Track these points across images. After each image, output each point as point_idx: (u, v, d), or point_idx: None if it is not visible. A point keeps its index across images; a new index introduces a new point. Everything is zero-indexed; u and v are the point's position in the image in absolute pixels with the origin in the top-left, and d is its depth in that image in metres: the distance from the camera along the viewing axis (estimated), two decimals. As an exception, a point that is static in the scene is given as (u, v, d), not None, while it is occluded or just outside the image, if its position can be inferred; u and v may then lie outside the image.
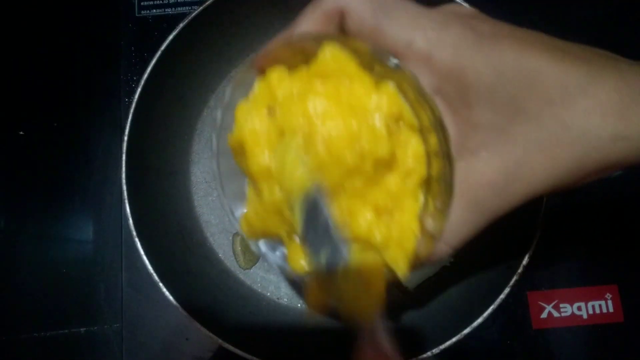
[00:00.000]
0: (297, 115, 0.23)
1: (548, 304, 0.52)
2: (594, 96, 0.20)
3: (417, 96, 0.23)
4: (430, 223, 0.24)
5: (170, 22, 0.58)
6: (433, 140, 0.23)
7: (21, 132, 0.58)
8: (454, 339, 0.40)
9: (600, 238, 0.53)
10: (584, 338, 0.51)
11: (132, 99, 0.45)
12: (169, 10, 0.59)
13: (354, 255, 0.24)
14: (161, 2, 0.59)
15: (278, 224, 0.26)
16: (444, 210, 0.23)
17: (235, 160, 0.29)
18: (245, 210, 0.29)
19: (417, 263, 0.24)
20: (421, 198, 0.25)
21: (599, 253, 0.53)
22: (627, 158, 0.21)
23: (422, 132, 0.24)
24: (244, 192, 0.29)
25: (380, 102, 0.23)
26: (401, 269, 0.24)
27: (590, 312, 0.51)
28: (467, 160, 0.23)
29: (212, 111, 0.53)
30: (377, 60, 0.24)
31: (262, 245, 0.29)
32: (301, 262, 0.26)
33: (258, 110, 0.26)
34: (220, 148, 0.30)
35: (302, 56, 0.26)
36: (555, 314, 0.51)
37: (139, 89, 0.45)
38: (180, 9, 0.59)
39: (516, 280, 0.42)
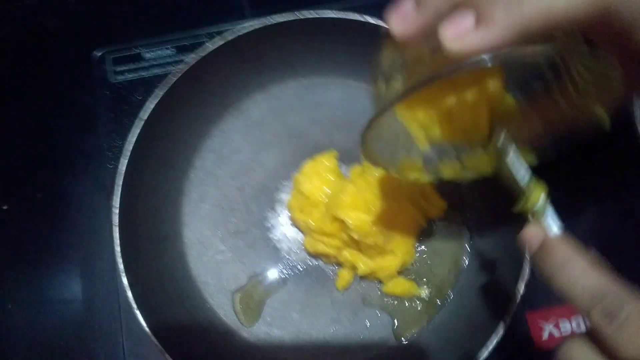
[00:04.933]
0: None
1: (548, 323, 0.52)
2: None
3: None
4: None
5: (146, 85, 0.59)
6: None
7: (5, 207, 0.58)
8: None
9: (593, 252, 0.54)
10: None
11: (116, 165, 0.45)
12: (143, 74, 0.60)
13: None
14: (135, 66, 0.60)
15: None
16: None
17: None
18: None
19: None
20: None
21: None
22: None
23: None
24: None
25: None
26: None
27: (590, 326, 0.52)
28: None
29: (198, 172, 0.53)
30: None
31: None
32: None
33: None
34: None
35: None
36: (556, 332, 0.52)
37: (126, 158, 0.45)
38: (155, 71, 0.60)
39: (515, 310, 0.42)
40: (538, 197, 0.31)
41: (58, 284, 0.55)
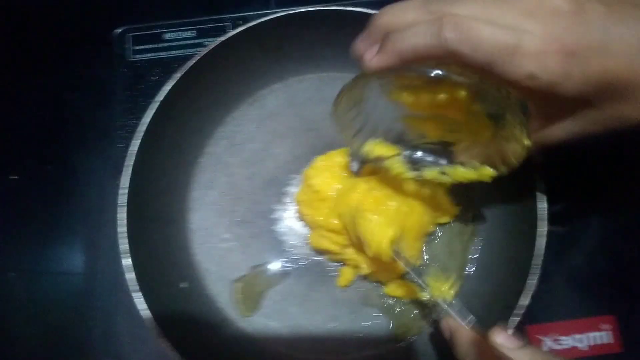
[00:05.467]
0: None
1: (547, 337, 0.52)
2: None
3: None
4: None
5: (164, 66, 0.59)
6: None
7: (15, 177, 0.58)
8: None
9: (597, 269, 0.54)
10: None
11: (127, 143, 0.45)
12: (162, 54, 0.60)
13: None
14: (155, 46, 0.60)
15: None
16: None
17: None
18: None
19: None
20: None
21: (596, 284, 0.53)
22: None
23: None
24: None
25: None
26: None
27: (590, 343, 0.51)
28: (542, 121, 0.33)
29: (209, 158, 0.53)
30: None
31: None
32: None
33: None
34: None
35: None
36: (555, 346, 0.52)
37: (139, 138, 0.45)
38: (173, 53, 0.60)
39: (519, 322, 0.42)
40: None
41: (61, 257, 0.55)
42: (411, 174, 0.41)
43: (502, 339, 0.34)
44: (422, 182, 0.47)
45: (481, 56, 0.28)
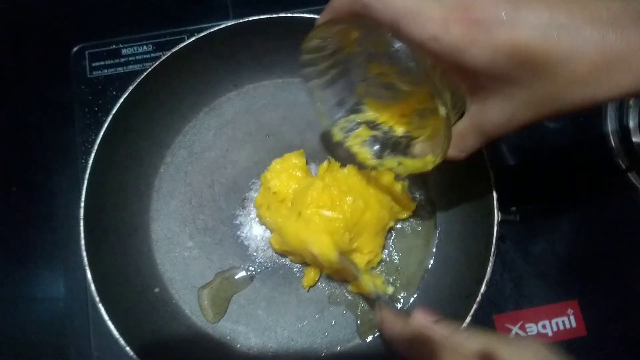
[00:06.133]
0: None
1: (514, 325, 0.53)
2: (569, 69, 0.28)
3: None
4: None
5: (123, 81, 0.59)
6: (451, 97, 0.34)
7: (-22, 201, 0.58)
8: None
9: (557, 257, 0.55)
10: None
11: (87, 162, 0.45)
12: (120, 70, 0.60)
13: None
14: (113, 62, 0.60)
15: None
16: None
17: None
18: None
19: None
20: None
21: (557, 271, 0.54)
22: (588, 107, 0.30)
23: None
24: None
25: None
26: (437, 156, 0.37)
27: (555, 329, 0.53)
28: (478, 105, 0.34)
29: (169, 167, 0.53)
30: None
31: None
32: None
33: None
34: None
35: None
36: (522, 334, 0.53)
37: (93, 152, 0.45)
38: (132, 67, 0.60)
39: (477, 309, 0.43)
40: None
41: (31, 280, 0.55)
42: (374, 161, 0.43)
43: (419, 318, 0.39)
44: (377, 179, 0.48)
45: (390, 14, 0.30)
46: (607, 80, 0.28)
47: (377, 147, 0.44)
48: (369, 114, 0.44)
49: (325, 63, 0.40)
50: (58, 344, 0.52)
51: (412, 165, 0.40)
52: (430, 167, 0.37)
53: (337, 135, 0.45)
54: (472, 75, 0.31)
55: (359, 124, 0.45)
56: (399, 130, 0.43)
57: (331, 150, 0.53)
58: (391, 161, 0.42)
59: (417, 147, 0.41)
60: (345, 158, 0.51)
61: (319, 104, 0.44)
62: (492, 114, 0.33)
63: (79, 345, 0.52)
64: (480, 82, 0.32)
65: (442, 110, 0.32)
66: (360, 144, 0.44)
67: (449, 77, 0.33)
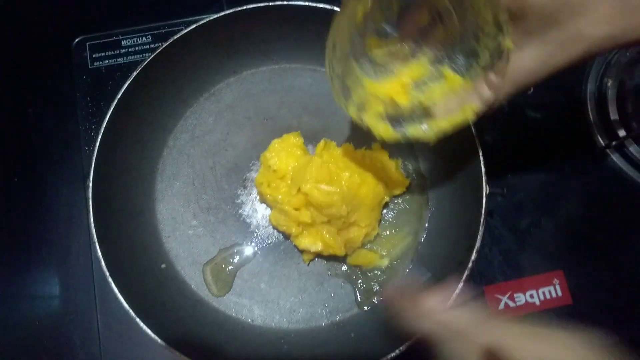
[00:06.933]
0: None
1: (503, 296, 0.56)
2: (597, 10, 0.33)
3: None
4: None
5: (123, 71, 0.61)
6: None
7: (-19, 192, 0.59)
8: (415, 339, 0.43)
9: (542, 229, 0.58)
10: (538, 323, 0.54)
11: (93, 147, 0.47)
12: (120, 60, 0.62)
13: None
14: (113, 52, 0.62)
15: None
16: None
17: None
18: None
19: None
20: None
21: (542, 243, 0.57)
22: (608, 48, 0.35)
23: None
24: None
25: None
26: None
27: (542, 298, 0.55)
28: (515, 53, 0.36)
29: (172, 151, 0.56)
30: None
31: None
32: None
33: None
34: None
35: None
36: (511, 304, 0.55)
37: (100, 136, 0.47)
38: (131, 58, 0.62)
39: (468, 276, 0.45)
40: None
41: (35, 268, 0.56)
42: (396, 132, 0.41)
43: (433, 302, 0.37)
44: (372, 157, 0.50)
45: None
46: (623, 24, 0.33)
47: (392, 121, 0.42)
48: (372, 89, 0.42)
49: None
50: (62, 330, 0.54)
51: (443, 124, 0.40)
52: (471, 117, 0.38)
53: (353, 112, 0.41)
54: (521, 17, 0.35)
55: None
56: (405, 103, 0.42)
57: (327, 132, 0.56)
58: (415, 128, 0.40)
59: (440, 108, 0.40)
60: (340, 140, 0.54)
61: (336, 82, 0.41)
62: (527, 60, 0.36)
63: (84, 328, 0.53)
64: (527, 26, 0.35)
65: (508, 43, 0.35)
66: (377, 118, 0.41)
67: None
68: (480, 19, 0.36)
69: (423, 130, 0.40)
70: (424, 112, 0.41)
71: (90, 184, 0.46)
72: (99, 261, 0.44)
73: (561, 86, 0.63)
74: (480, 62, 0.38)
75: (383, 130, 0.41)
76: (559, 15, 0.34)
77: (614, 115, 0.59)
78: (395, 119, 0.41)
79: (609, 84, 0.61)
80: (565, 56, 0.35)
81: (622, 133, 0.58)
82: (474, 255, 0.45)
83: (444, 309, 0.36)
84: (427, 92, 0.41)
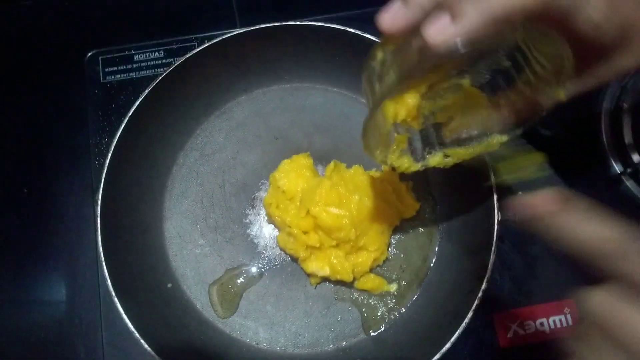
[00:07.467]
0: None
1: (513, 323, 0.55)
2: None
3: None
4: None
5: (135, 85, 0.61)
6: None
7: (-9, 202, 0.59)
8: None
9: (552, 256, 0.57)
10: (547, 352, 0.53)
11: (103, 161, 0.47)
12: (132, 75, 0.62)
13: None
14: (125, 67, 0.62)
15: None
16: None
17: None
18: None
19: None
20: None
21: (553, 270, 0.56)
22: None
23: None
24: None
25: None
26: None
27: (552, 326, 0.54)
28: None
29: (181, 168, 0.55)
30: None
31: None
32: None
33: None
34: None
35: None
36: (520, 331, 0.54)
37: (110, 153, 0.47)
38: (143, 73, 0.62)
39: (478, 305, 0.44)
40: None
41: (42, 279, 0.56)
42: (418, 165, 0.40)
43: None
44: (382, 179, 0.50)
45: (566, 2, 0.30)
46: None
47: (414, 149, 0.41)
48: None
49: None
50: (67, 342, 0.53)
51: (464, 153, 0.39)
52: (497, 147, 0.38)
53: (379, 156, 0.39)
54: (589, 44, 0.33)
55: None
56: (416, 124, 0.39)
57: (338, 152, 0.55)
58: (436, 158, 0.39)
59: (456, 131, 0.39)
60: (350, 160, 0.53)
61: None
62: (590, 79, 0.37)
63: (88, 342, 0.53)
64: (590, 49, 0.34)
65: (562, 95, 0.34)
66: (399, 155, 0.39)
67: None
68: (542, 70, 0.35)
69: (445, 161, 0.40)
70: (438, 134, 0.40)
71: (99, 201, 0.46)
72: (105, 280, 0.44)
73: (575, 105, 0.62)
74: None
75: (407, 165, 0.39)
76: (620, 45, 0.34)
77: (628, 139, 0.58)
78: (416, 148, 0.40)
79: (625, 107, 0.60)
80: (607, 79, 0.36)
81: (636, 157, 0.58)
82: (484, 285, 0.45)
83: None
84: (457, 120, 0.40)
